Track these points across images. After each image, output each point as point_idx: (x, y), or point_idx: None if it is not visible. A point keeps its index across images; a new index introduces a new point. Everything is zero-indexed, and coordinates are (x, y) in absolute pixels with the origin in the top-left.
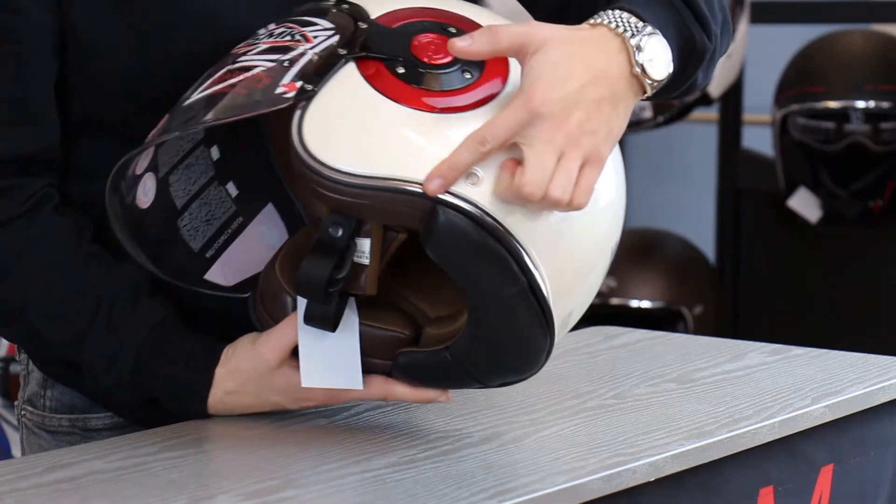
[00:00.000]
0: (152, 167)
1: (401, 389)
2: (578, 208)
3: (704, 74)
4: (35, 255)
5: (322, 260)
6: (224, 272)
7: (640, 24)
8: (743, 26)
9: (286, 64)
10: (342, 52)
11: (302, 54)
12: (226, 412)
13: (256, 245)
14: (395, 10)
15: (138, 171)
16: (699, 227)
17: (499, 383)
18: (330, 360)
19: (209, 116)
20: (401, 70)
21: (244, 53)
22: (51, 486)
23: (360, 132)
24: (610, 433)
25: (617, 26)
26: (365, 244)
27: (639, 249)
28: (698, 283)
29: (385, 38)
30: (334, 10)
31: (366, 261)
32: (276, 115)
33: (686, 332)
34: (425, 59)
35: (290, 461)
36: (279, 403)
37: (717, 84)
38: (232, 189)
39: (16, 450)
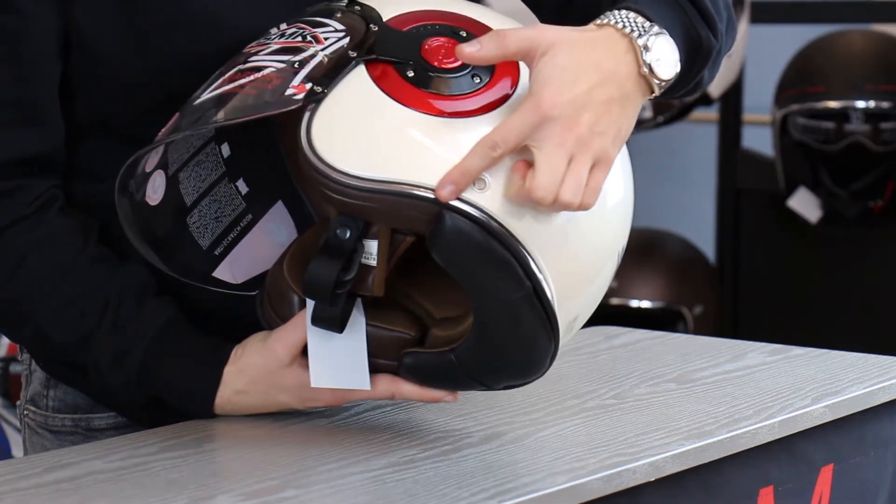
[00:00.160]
0: (162, 165)
1: (408, 388)
2: (586, 209)
3: (710, 73)
4: (41, 256)
5: (329, 261)
6: (232, 270)
7: (647, 23)
8: (743, 26)
9: (296, 65)
10: (352, 54)
11: (312, 56)
12: (232, 412)
13: (265, 243)
14: (406, 13)
15: (148, 169)
16: (699, 227)
17: (503, 386)
18: (338, 360)
19: (219, 116)
20: (410, 73)
21: (255, 53)
22: (51, 486)
23: (368, 135)
24: (610, 433)
25: (624, 26)
26: (372, 246)
27: (639, 249)
28: (698, 283)
29: (396, 41)
30: (346, 12)
31: (373, 262)
32: (286, 115)
33: (686, 332)
34: (435, 63)
35: (290, 461)
36: (286, 403)
37: (717, 84)
38: (242, 186)
39: (16, 450)
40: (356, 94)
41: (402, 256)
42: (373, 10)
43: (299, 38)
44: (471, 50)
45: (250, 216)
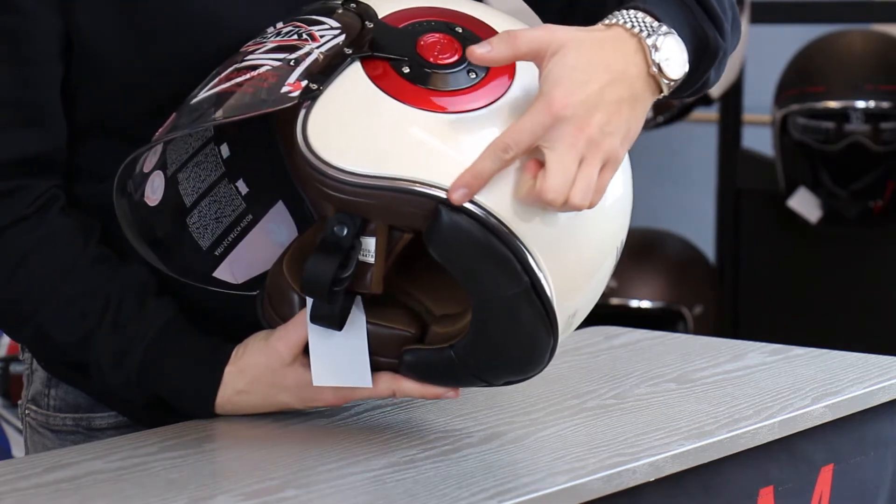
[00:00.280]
0: (160, 165)
1: (409, 385)
2: (591, 207)
3: (716, 73)
4: (42, 256)
5: (327, 259)
6: (233, 270)
7: (656, 23)
8: (743, 26)
9: (292, 63)
10: (348, 51)
11: (308, 53)
12: (233, 412)
13: (266, 243)
14: (402, 10)
15: (146, 169)
16: (699, 227)
17: (503, 382)
18: (339, 358)
19: (216, 115)
20: (406, 70)
21: (252, 52)
22: (51, 486)
23: (364, 132)
24: (610, 433)
25: (633, 26)
26: (370, 243)
27: (639, 249)
28: (698, 283)
29: (391, 38)
30: (342, 10)
31: (371, 260)
32: (284, 113)
33: (686, 332)
34: (431, 59)
35: (290, 461)
36: (287, 403)
37: (718, 84)
38: (242, 186)
39: (16, 450)
40: (352, 90)
41: (401, 253)
42: (369, 7)
43: (295, 37)
44: (482, 51)
45: (251, 216)
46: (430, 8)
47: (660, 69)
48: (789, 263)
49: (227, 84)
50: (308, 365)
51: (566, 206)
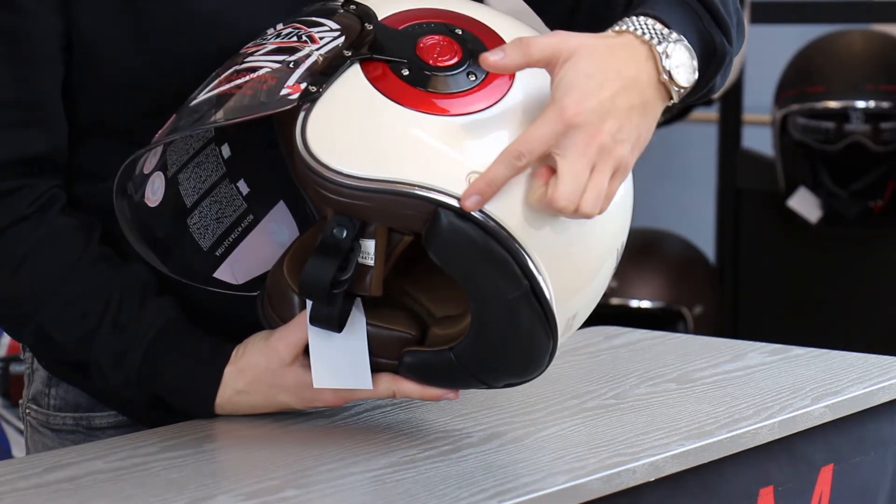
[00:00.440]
0: (160, 166)
1: (408, 386)
2: (599, 214)
3: (721, 79)
4: (42, 255)
5: (326, 261)
6: (233, 270)
7: (666, 30)
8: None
9: (291, 65)
10: (347, 53)
11: (307, 55)
12: (233, 412)
13: (266, 243)
14: (402, 11)
15: (146, 171)
16: (699, 227)
17: (503, 384)
18: (340, 360)
19: (215, 117)
20: (406, 72)
21: (252, 53)
22: (51, 486)
23: (363, 134)
24: (610, 433)
25: (643, 33)
26: (370, 245)
27: (639, 249)
28: (698, 283)
29: (391, 40)
30: (342, 11)
31: (371, 262)
32: (284, 114)
33: (686, 332)
34: (431, 61)
35: (290, 461)
36: (287, 403)
37: None
38: (243, 187)
39: (16, 450)
40: (351, 93)
41: (402, 255)
42: (368, 9)
43: (295, 38)
44: (495, 58)
45: (251, 217)
46: (429, 9)
47: (670, 76)
48: (789, 263)
49: (227, 86)
50: (308, 365)
51: (576, 213)
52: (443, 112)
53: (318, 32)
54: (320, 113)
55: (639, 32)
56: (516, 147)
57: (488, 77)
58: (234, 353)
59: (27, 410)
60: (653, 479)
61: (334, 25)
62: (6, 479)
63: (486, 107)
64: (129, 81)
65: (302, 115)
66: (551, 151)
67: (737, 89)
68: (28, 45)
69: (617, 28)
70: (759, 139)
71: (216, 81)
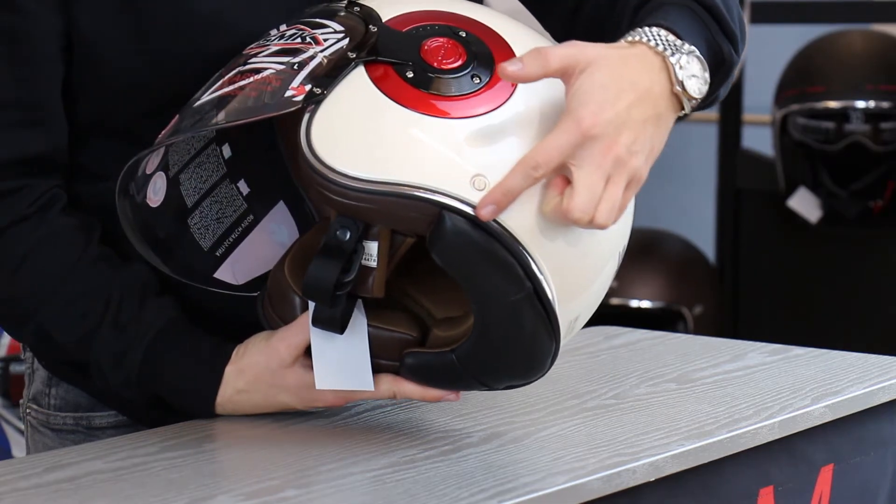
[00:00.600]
0: (162, 166)
1: (409, 387)
2: (612, 225)
3: (725, 88)
4: (43, 255)
5: (329, 263)
6: (234, 271)
7: (678, 41)
8: None
9: (296, 67)
10: (352, 55)
11: (312, 57)
12: (233, 412)
13: (267, 243)
14: (406, 13)
15: (149, 171)
16: (699, 227)
17: (504, 386)
18: (341, 361)
19: (218, 118)
20: (410, 74)
21: (255, 55)
22: (51, 486)
23: (367, 136)
24: (610, 433)
25: (656, 44)
26: (373, 247)
27: (639, 249)
28: (698, 283)
29: (395, 42)
30: (345, 12)
31: (373, 264)
32: (287, 116)
33: (686, 332)
34: (435, 64)
35: (290, 461)
36: (288, 404)
37: None
38: (243, 187)
39: (16, 450)
40: (355, 95)
41: (403, 256)
42: (372, 10)
43: (298, 40)
44: (513, 69)
45: (252, 217)
46: (433, 11)
47: (683, 87)
48: (789, 263)
49: (231, 87)
50: (309, 366)
51: (590, 224)
52: (447, 114)
53: (323, 34)
54: (325, 115)
55: (652, 43)
56: (533, 157)
57: (492, 80)
58: (234, 352)
59: (27, 410)
60: (653, 479)
61: (338, 27)
62: (6, 479)
63: (490, 109)
64: (129, 81)
65: (306, 117)
66: (567, 162)
67: (737, 89)
68: (28, 45)
69: (630, 38)
70: (759, 139)
71: (220, 83)
